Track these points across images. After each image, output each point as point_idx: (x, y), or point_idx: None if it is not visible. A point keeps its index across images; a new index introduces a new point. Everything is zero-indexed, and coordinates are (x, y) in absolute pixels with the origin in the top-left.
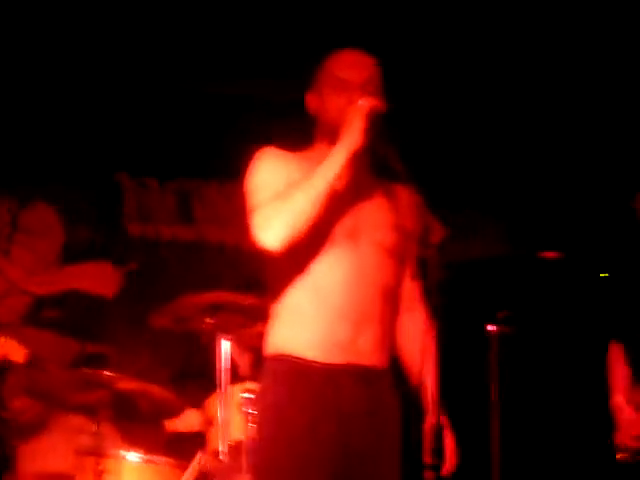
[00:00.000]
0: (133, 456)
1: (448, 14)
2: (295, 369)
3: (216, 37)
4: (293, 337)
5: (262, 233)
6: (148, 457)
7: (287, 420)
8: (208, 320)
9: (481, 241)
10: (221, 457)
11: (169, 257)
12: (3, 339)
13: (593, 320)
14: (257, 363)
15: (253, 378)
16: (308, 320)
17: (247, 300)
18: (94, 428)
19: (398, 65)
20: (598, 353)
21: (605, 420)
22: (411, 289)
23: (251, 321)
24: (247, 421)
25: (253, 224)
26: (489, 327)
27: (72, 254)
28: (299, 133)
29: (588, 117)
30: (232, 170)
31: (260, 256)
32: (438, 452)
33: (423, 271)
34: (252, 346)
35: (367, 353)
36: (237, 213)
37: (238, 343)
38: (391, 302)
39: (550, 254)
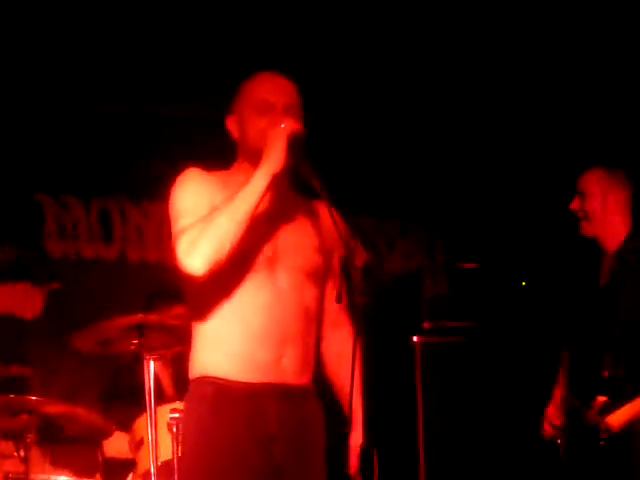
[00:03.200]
0: None
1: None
2: (219, 390)
3: (138, 57)
4: (216, 359)
5: (187, 257)
6: None
7: (211, 441)
8: (134, 341)
9: (399, 252)
10: (152, 478)
11: (91, 276)
12: None
13: (517, 329)
14: (180, 383)
15: (178, 398)
16: (231, 343)
17: (172, 320)
18: (21, 453)
19: (311, 80)
20: (522, 361)
21: (530, 429)
22: (335, 307)
23: (176, 341)
24: (176, 441)
25: (178, 248)
26: (414, 338)
27: None
28: (222, 151)
29: (504, 126)
30: (152, 189)
31: (183, 281)
32: (367, 473)
33: (349, 291)
34: (175, 366)
35: (290, 372)
36: (158, 232)
37: (162, 364)
38: (313, 322)
39: (469, 265)
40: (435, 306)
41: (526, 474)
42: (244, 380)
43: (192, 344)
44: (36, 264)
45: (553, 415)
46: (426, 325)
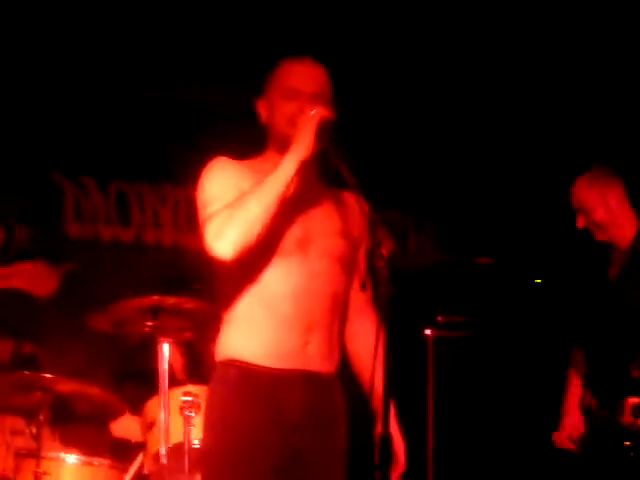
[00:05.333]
0: (72, 458)
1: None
2: (244, 374)
3: (163, 40)
4: (243, 344)
5: (216, 242)
6: (87, 459)
7: (233, 423)
8: (149, 323)
9: (414, 247)
10: (162, 460)
11: (107, 258)
12: None
13: (528, 324)
14: (191, 367)
15: (188, 381)
16: (258, 328)
17: (187, 304)
18: (33, 430)
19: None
20: (535, 357)
21: (541, 424)
22: (360, 296)
23: (190, 325)
24: (188, 424)
25: (206, 234)
26: (427, 331)
27: (9, 254)
28: (243, 139)
29: (515, 121)
30: (169, 173)
31: (211, 265)
32: (386, 459)
33: (373, 281)
34: (188, 350)
35: (316, 359)
36: (174, 216)
37: (175, 347)
38: (340, 309)
39: (483, 260)
40: (451, 300)
41: (534, 469)
42: (269, 365)
43: (220, 328)
44: (53, 244)
45: (571, 426)
46: (440, 319)
